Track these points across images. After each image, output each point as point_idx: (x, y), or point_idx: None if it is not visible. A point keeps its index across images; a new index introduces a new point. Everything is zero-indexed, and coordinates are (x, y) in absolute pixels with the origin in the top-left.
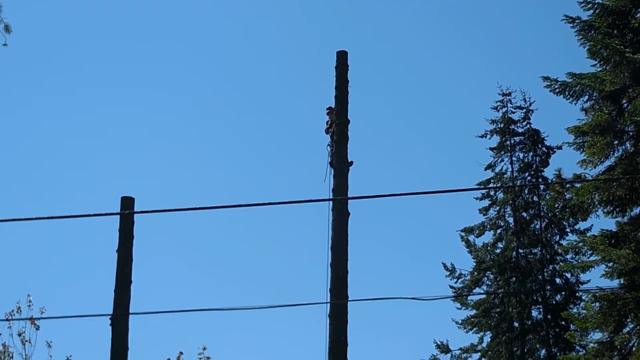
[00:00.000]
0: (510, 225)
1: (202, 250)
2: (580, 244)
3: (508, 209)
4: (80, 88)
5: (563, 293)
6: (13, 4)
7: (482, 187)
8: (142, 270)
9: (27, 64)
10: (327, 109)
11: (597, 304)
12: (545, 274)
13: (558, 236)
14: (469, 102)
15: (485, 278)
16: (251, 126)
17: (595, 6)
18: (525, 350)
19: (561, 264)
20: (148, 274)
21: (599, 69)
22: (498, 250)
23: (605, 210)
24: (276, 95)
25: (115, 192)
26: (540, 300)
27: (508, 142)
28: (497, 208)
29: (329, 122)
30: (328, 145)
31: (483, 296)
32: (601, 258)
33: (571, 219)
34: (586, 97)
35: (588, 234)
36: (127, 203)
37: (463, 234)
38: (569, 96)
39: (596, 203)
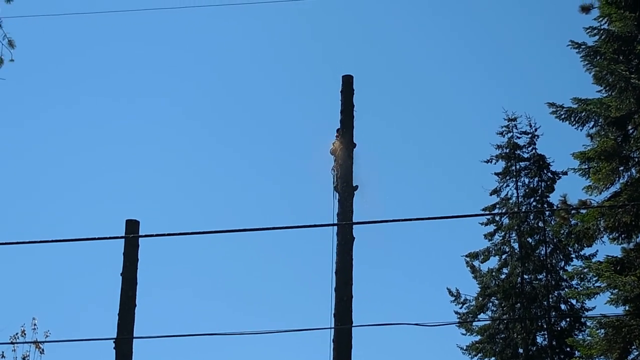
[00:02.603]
0: (516, 251)
1: (207, 274)
2: (585, 270)
3: (513, 235)
4: (81, 106)
5: (568, 319)
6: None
7: (487, 213)
8: (146, 293)
9: (25, 81)
10: (337, 131)
11: (602, 330)
12: (551, 300)
13: (563, 262)
14: (475, 127)
15: (490, 304)
16: (256, 149)
17: (601, 32)
18: None
19: (566, 290)
20: (152, 297)
21: (604, 95)
22: (503, 276)
23: (610, 236)
24: (282, 119)
25: (120, 215)
26: (545, 326)
27: (513, 168)
28: (503, 233)
29: (335, 144)
30: (332, 169)
31: (488, 322)
32: (606, 285)
33: (576, 245)
34: (592, 123)
35: (593, 260)
36: (132, 226)
37: (468, 259)
38: (574, 122)
39: (601, 229)
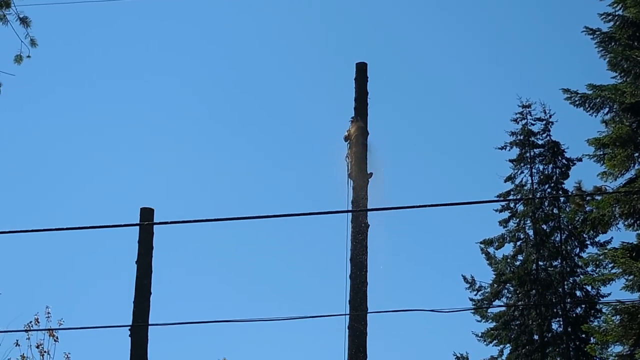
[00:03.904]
0: (530, 238)
1: (221, 261)
2: (600, 257)
3: (528, 221)
4: (96, 94)
5: (583, 306)
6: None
7: (501, 199)
8: (161, 281)
9: (35, 67)
10: (351, 118)
11: (618, 317)
12: (566, 286)
13: (578, 249)
14: (489, 114)
15: (505, 290)
16: (270, 137)
17: (616, 18)
18: None
19: (581, 276)
20: (167, 285)
21: (619, 81)
22: (518, 263)
23: (625, 222)
24: (296, 107)
25: (134, 204)
26: (560, 313)
27: (528, 154)
28: (517, 220)
29: (349, 131)
30: (346, 156)
31: (503, 308)
32: (622, 271)
33: (591, 232)
34: (606, 109)
35: (608, 247)
36: (147, 214)
37: (483, 246)
38: (589, 108)
39: (617, 215)
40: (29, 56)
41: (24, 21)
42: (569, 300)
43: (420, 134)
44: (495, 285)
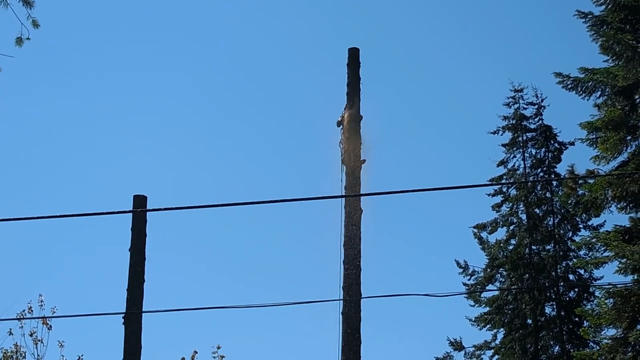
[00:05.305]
0: (523, 222)
1: (215, 248)
2: (593, 240)
3: (521, 206)
4: (91, 88)
5: (576, 289)
6: None
7: (494, 183)
8: (155, 268)
9: (37, 58)
10: (346, 104)
11: (611, 300)
12: (559, 270)
13: (571, 232)
14: (481, 98)
15: (499, 275)
16: (263, 123)
17: (608, 1)
18: (539, 346)
19: (574, 260)
20: (161, 272)
21: (611, 65)
22: (511, 247)
23: (618, 206)
24: (289, 92)
25: (127, 191)
26: (553, 296)
27: (520, 139)
28: (510, 204)
29: (342, 117)
30: (340, 142)
31: (496, 293)
32: (615, 254)
33: (584, 215)
34: (599, 92)
35: (601, 230)
36: (140, 201)
37: (476, 230)
38: (581, 92)
39: (609, 199)
40: (28, 38)
41: (27, 2)
42: (562, 283)
43: (413, 119)
44: (489, 270)
